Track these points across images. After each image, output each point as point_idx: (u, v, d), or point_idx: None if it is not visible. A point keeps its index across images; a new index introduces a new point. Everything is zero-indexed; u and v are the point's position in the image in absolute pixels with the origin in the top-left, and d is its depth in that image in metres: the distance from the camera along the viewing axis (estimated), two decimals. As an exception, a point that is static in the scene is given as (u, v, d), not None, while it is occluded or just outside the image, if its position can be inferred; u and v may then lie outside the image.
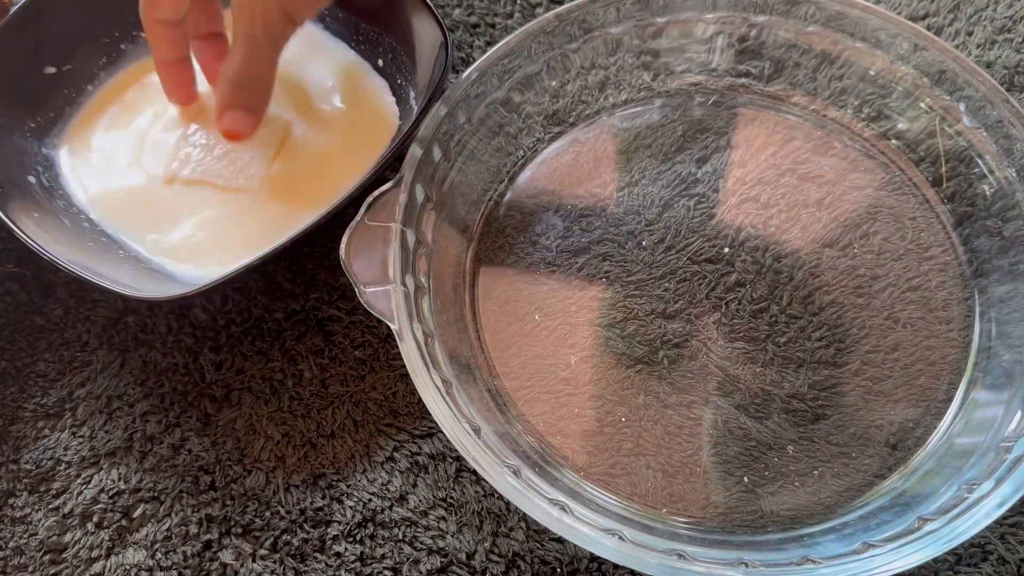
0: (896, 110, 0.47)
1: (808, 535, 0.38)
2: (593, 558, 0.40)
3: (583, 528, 0.35)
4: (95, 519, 0.41)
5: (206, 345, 0.45)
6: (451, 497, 0.41)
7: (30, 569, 0.41)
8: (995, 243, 0.43)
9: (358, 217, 0.41)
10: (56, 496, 0.42)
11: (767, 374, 0.42)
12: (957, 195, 0.45)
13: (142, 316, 0.46)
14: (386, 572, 0.40)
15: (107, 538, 0.41)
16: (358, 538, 0.41)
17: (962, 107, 0.44)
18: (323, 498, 0.41)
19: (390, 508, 0.41)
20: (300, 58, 0.52)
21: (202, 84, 0.50)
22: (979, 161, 0.44)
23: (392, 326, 0.39)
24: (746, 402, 0.42)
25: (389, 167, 0.43)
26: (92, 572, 0.40)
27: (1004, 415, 0.39)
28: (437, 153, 0.44)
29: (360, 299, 0.39)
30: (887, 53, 0.46)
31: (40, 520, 0.42)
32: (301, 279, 0.47)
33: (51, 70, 0.50)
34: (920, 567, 0.35)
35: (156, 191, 0.48)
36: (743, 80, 0.49)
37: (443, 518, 0.41)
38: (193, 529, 0.41)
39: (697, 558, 0.35)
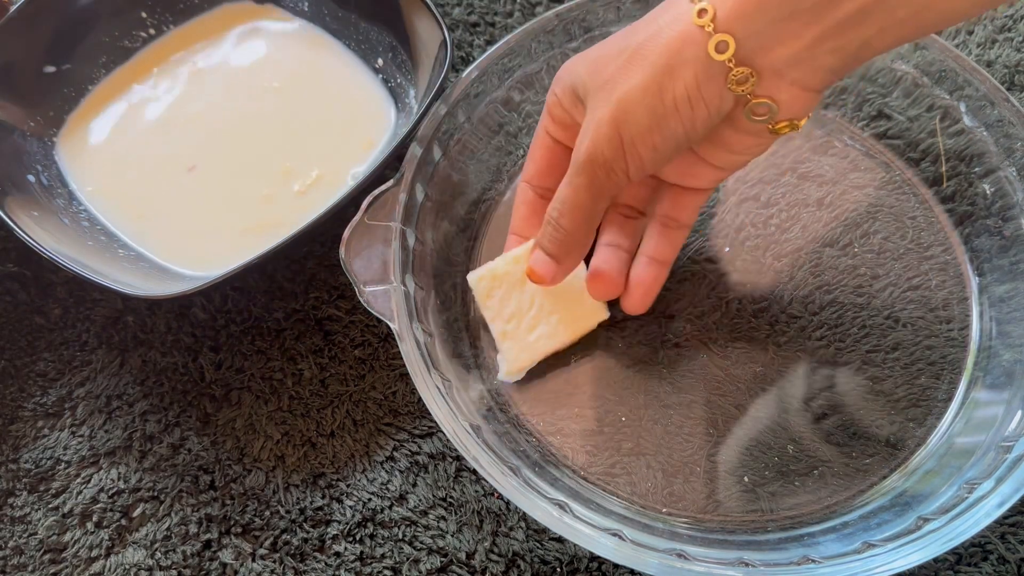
0: (896, 109, 0.47)
1: (808, 535, 0.38)
2: (593, 558, 0.40)
3: (583, 528, 0.35)
4: (95, 518, 0.41)
5: (206, 344, 0.45)
6: (451, 496, 0.41)
7: (30, 568, 0.41)
8: (995, 242, 0.43)
9: (358, 216, 0.41)
10: (56, 495, 0.42)
11: (767, 374, 0.42)
12: (957, 194, 0.45)
13: (141, 315, 0.46)
14: (386, 572, 0.40)
15: (107, 537, 0.41)
16: (358, 538, 0.41)
17: (962, 106, 0.44)
18: (323, 497, 0.41)
19: (390, 507, 0.41)
20: (300, 58, 0.52)
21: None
22: (979, 160, 0.44)
23: (392, 326, 0.39)
24: (746, 402, 0.41)
25: (389, 166, 0.43)
26: (92, 572, 0.40)
27: (1004, 414, 0.39)
28: (437, 152, 0.44)
29: (360, 298, 0.39)
30: (887, 52, 0.45)
31: (40, 519, 0.42)
32: (301, 278, 0.47)
33: (51, 69, 0.50)
34: (920, 567, 0.35)
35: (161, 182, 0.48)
36: (743, 79, 0.49)
37: (443, 517, 0.41)
38: (193, 528, 0.41)
39: (697, 558, 0.35)
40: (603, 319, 0.42)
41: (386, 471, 0.42)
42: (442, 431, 0.37)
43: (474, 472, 0.41)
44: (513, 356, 0.41)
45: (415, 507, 0.41)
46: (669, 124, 0.34)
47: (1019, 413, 0.38)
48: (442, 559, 0.40)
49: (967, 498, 0.35)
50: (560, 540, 0.40)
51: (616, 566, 0.39)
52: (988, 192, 0.44)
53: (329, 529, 0.41)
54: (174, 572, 0.40)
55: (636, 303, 0.42)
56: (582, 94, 0.36)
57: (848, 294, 0.44)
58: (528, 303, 0.41)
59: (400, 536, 0.40)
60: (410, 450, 0.42)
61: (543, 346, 0.41)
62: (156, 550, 0.41)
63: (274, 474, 0.42)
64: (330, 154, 0.49)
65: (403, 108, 0.49)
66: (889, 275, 0.44)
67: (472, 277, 0.42)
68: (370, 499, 0.41)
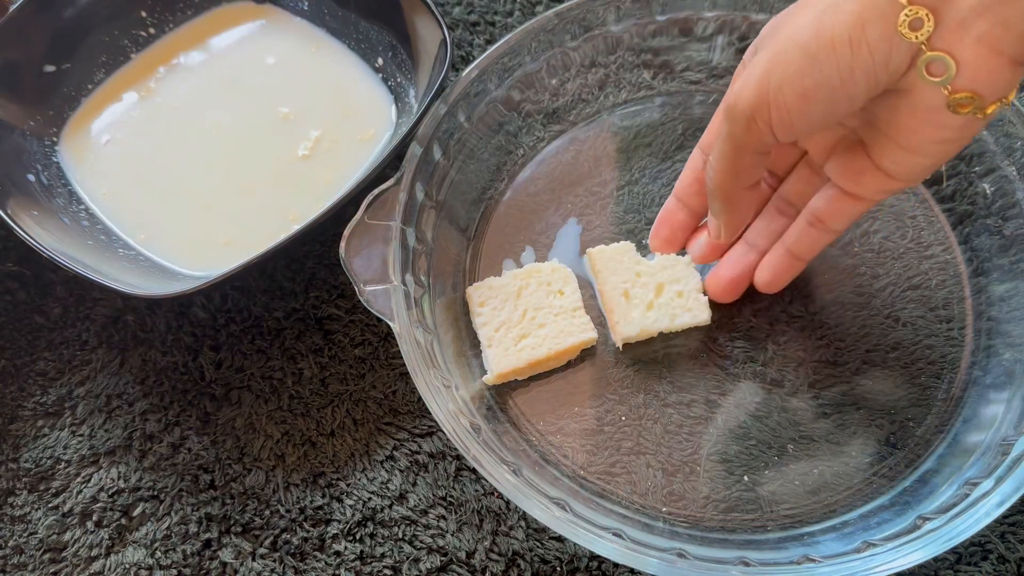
0: (896, 109, 0.47)
1: (808, 534, 0.38)
2: (593, 557, 0.40)
3: (583, 527, 0.35)
4: (95, 518, 0.41)
5: (206, 344, 0.45)
6: (451, 496, 0.41)
7: (30, 568, 0.41)
8: (995, 242, 0.43)
9: (358, 215, 0.41)
10: (56, 495, 0.42)
11: (767, 373, 0.42)
12: (957, 194, 0.45)
13: (141, 315, 0.46)
14: (386, 571, 0.40)
15: (107, 537, 0.41)
16: (358, 537, 0.41)
17: (962, 106, 0.44)
18: (323, 497, 0.41)
19: (390, 507, 0.41)
20: (300, 58, 0.52)
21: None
22: (979, 160, 0.44)
23: (392, 325, 0.39)
24: (746, 401, 0.41)
25: (389, 165, 0.43)
26: (92, 571, 0.40)
27: (1004, 414, 0.39)
28: (437, 152, 0.44)
29: (360, 298, 0.39)
30: None
31: (40, 519, 0.42)
32: (301, 277, 0.47)
33: (51, 69, 0.50)
34: (920, 566, 0.35)
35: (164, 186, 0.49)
36: (743, 79, 0.49)
37: (443, 517, 0.41)
38: (193, 528, 0.41)
39: (697, 557, 0.35)
40: (591, 341, 0.42)
41: (386, 470, 0.42)
42: (442, 430, 0.37)
43: (474, 471, 0.41)
44: (495, 362, 0.41)
45: (415, 506, 0.41)
46: (823, 67, 0.29)
47: (1019, 412, 0.38)
48: (442, 558, 0.40)
49: (967, 497, 0.35)
50: (560, 539, 0.40)
51: (616, 565, 0.39)
52: (988, 191, 0.44)
53: (329, 528, 0.41)
54: (174, 571, 0.40)
55: (767, 282, 0.40)
56: (759, 48, 0.33)
57: (848, 293, 0.44)
58: (520, 316, 0.42)
59: (400, 535, 0.40)
60: (410, 449, 0.42)
61: (527, 355, 0.41)
62: (156, 549, 0.41)
63: (274, 473, 0.42)
64: (330, 153, 0.49)
65: (403, 107, 0.49)
66: (889, 275, 0.44)
67: (470, 289, 0.43)
68: (370, 498, 0.41)
